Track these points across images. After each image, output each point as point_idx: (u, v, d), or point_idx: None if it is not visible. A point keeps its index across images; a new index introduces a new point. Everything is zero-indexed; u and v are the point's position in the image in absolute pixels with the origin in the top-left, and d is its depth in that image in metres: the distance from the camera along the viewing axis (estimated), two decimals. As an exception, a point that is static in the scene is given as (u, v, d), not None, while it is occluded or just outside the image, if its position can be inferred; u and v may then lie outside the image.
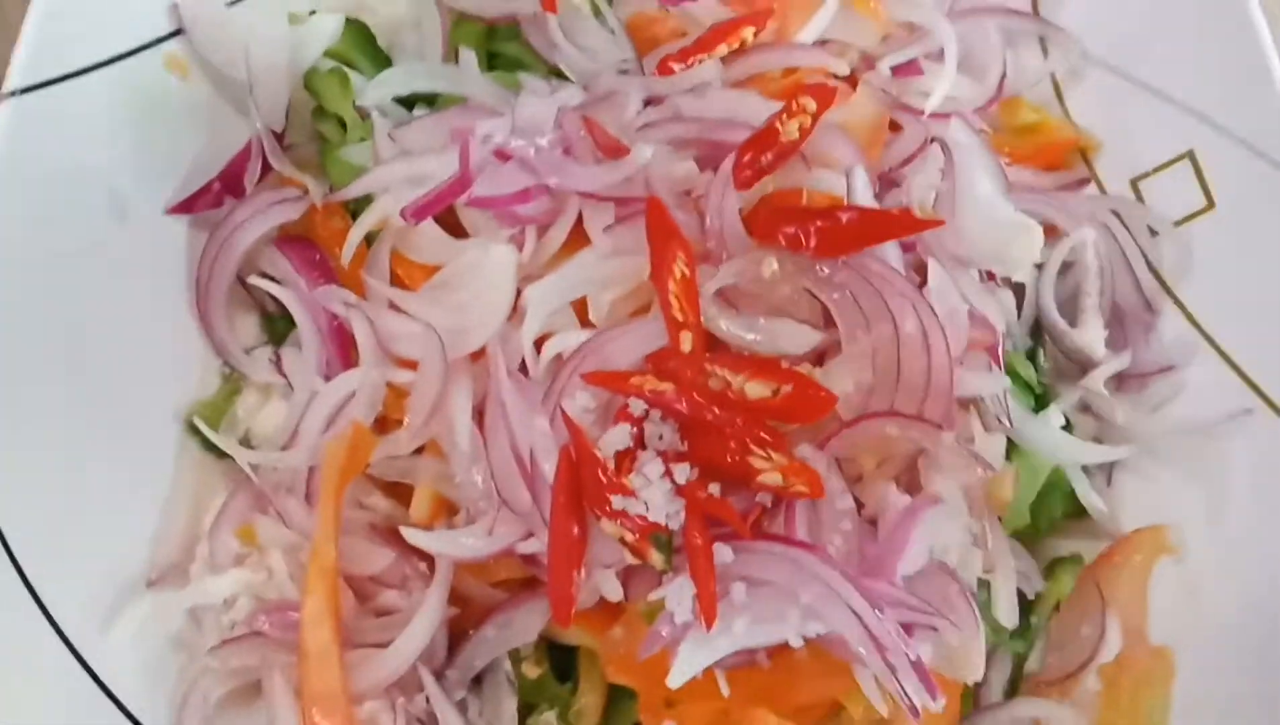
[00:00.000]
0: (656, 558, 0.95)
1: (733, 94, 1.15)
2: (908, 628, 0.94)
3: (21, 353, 1.09)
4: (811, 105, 1.07)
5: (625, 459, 0.97)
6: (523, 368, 1.07)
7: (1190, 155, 1.31)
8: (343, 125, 1.25)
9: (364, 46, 1.29)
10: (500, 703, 1.12)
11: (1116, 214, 1.33)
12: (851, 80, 1.24)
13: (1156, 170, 1.34)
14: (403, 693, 1.09)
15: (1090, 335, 1.28)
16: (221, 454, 1.19)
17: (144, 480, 1.17)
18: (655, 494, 0.95)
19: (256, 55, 1.24)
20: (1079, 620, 1.21)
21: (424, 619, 1.07)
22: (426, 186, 1.09)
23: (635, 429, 0.98)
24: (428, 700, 1.08)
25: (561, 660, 1.15)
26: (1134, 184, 1.36)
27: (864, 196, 1.06)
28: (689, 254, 0.99)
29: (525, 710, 1.13)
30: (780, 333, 1.01)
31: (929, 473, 1.02)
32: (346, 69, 1.26)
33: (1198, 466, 1.23)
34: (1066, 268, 1.31)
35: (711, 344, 1.01)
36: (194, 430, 1.20)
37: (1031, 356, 1.27)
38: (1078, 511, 1.26)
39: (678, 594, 0.93)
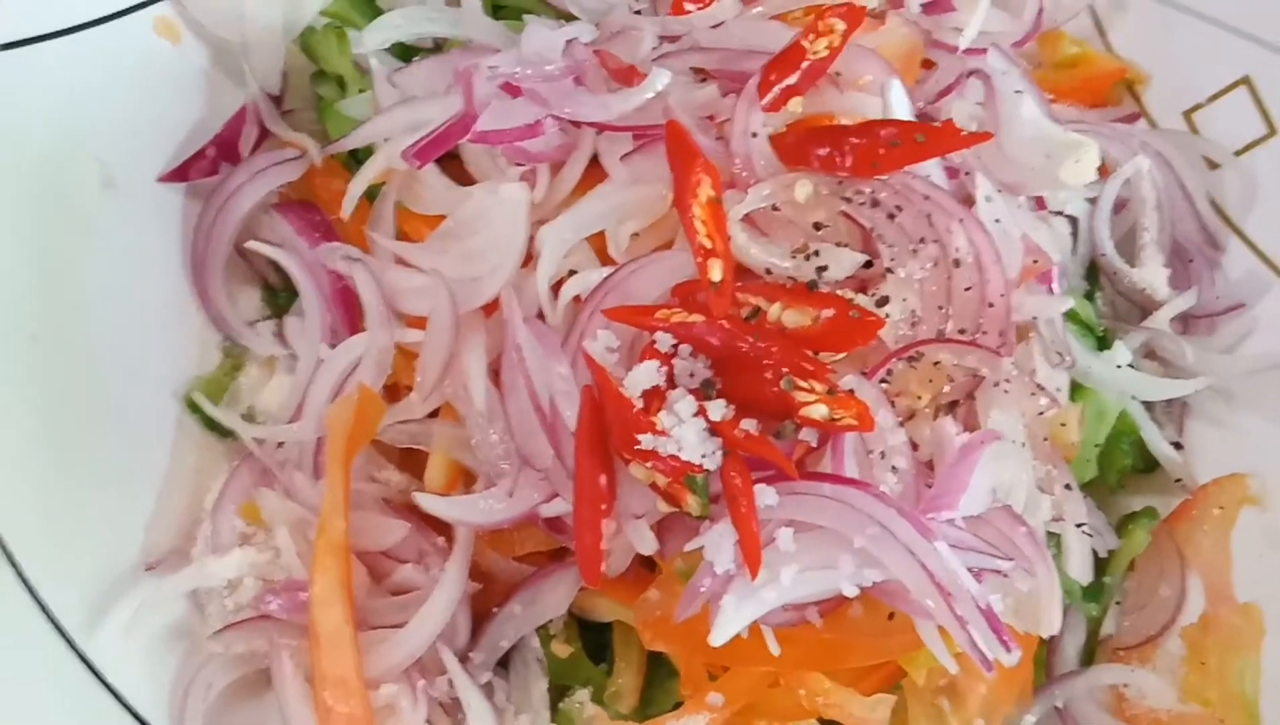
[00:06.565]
0: (693, 502, 0.85)
1: (754, 23, 1.07)
2: (974, 574, 0.85)
3: (5, 330, 1.02)
4: (840, 25, 1.00)
5: (654, 399, 0.88)
6: (540, 316, 0.99)
7: (1247, 81, 1.22)
8: (342, 86, 1.18)
9: (361, 4, 1.22)
10: (529, 685, 1.03)
11: (1172, 146, 1.24)
12: (880, 17, 1.16)
13: (1211, 100, 1.25)
14: (423, 675, 1.00)
15: (1151, 273, 1.19)
16: (224, 433, 1.12)
17: (141, 461, 1.09)
18: (688, 433, 0.85)
19: (250, 16, 1.18)
20: (1157, 579, 1.12)
21: (443, 595, 0.99)
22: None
23: (664, 367, 0.89)
24: (450, 683, 1.00)
25: (595, 639, 1.06)
26: (1187, 116, 1.27)
27: (901, 112, 0.98)
28: (714, 176, 0.91)
29: (557, 693, 1.04)
30: (818, 257, 0.92)
31: (986, 407, 0.93)
32: (344, 26, 1.19)
33: (1276, 408, 1.13)
34: (1120, 205, 1.22)
35: (741, 275, 0.93)
36: (194, 408, 1.12)
37: (1088, 299, 1.18)
38: (1149, 465, 1.16)
39: (717, 541, 0.84)
